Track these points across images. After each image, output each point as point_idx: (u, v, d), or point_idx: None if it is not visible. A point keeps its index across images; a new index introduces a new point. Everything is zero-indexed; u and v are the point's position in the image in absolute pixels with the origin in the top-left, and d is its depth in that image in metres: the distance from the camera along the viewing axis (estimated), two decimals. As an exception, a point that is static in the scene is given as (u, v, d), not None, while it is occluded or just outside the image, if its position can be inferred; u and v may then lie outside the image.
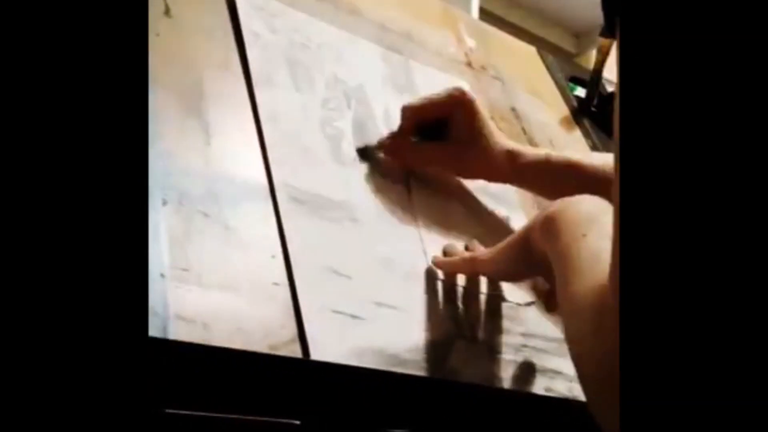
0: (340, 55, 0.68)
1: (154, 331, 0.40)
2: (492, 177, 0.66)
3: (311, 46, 0.66)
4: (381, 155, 0.62)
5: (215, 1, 0.63)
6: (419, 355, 0.51)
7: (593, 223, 0.45)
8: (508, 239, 0.54)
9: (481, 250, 0.58)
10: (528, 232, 0.52)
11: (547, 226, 0.48)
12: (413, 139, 0.63)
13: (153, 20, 0.56)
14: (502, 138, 0.65)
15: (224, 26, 0.61)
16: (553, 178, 0.64)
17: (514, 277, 0.58)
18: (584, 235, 0.44)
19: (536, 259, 0.50)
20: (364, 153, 0.62)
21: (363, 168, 0.61)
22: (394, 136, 0.62)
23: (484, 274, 0.58)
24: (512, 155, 0.64)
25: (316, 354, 0.45)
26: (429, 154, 0.64)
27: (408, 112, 0.63)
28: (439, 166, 0.65)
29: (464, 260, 0.57)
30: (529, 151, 0.65)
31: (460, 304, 0.57)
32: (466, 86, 0.66)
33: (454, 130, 0.63)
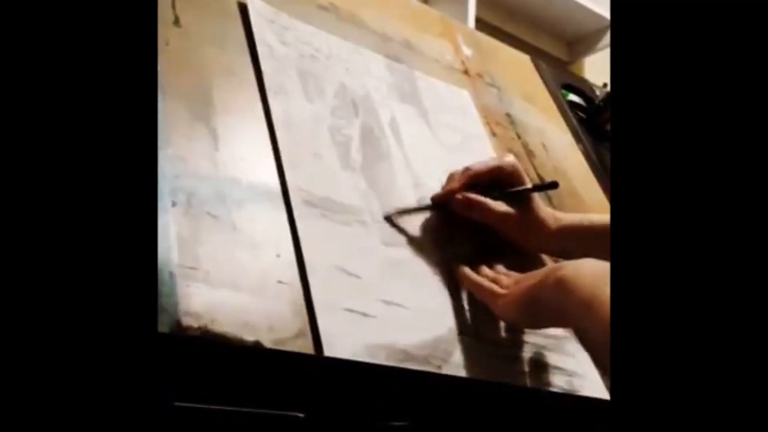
0: (347, 65, 0.70)
1: (163, 327, 0.40)
2: (537, 241, 0.66)
3: (320, 57, 0.68)
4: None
5: (222, 11, 0.64)
6: (425, 351, 0.52)
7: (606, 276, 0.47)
8: (520, 296, 0.55)
9: (504, 283, 0.58)
10: (538, 290, 0.53)
11: (563, 285, 0.51)
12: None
13: (163, 30, 0.57)
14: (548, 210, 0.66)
15: (231, 36, 0.62)
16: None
17: (528, 326, 0.59)
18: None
19: (547, 312, 0.53)
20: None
21: (370, 174, 0.62)
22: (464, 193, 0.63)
23: (495, 314, 0.59)
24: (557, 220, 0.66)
25: (329, 350, 0.46)
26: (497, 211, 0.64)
27: (468, 172, 0.64)
28: (502, 224, 0.65)
29: (486, 290, 0.58)
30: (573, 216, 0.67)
31: (465, 302, 0.59)
32: (511, 157, 0.66)
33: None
